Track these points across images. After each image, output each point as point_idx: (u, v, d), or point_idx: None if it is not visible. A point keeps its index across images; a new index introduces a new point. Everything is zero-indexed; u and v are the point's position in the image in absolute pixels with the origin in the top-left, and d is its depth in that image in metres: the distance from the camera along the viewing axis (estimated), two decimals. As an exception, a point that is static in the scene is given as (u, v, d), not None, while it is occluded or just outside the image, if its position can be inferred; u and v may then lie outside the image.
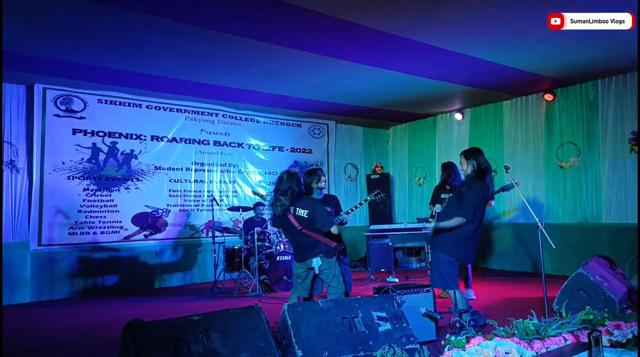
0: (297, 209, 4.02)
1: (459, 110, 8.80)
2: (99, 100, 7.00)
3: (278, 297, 6.01)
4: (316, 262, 4.03)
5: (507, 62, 6.08)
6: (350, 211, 4.65)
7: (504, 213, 8.13)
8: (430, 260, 5.98)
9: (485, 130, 8.49)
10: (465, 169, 4.07)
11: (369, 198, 4.96)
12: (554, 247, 4.17)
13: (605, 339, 3.14)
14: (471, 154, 4.07)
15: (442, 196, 6.13)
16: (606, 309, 3.72)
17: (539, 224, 4.03)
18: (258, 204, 7.41)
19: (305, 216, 3.98)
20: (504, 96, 7.92)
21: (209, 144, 8.06)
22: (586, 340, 2.79)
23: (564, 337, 3.08)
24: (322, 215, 4.00)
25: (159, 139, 7.57)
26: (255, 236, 6.47)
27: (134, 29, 4.79)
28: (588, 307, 3.53)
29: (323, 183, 4.56)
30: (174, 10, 4.41)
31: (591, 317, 3.36)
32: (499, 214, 8.18)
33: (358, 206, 4.88)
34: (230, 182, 8.29)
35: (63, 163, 6.68)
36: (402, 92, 7.48)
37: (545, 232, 4.05)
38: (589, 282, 4.14)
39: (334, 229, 3.98)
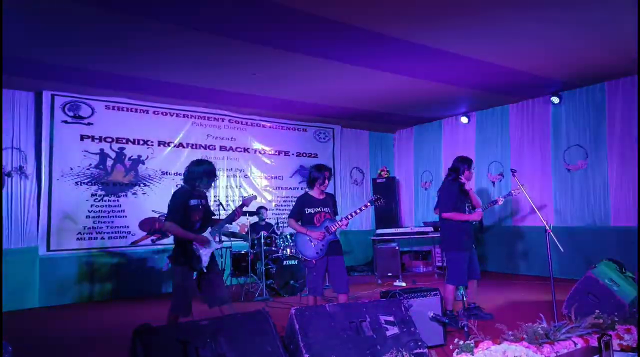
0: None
1: (465, 114, 8.78)
2: (106, 106, 7.06)
3: (285, 301, 6.01)
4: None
5: (513, 64, 6.07)
6: (350, 217, 4.49)
7: (511, 216, 8.08)
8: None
9: (492, 134, 8.46)
10: None
11: (369, 203, 4.74)
12: (562, 250, 4.15)
13: (615, 344, 3.11)
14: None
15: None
16: (616, 313, 3.69)
17: (547, 228, 4.01)
18: (260, 207, 7.42)
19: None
20: (510, 99, 7.89)
21: (215, 149, 8.09)
22: (596, 344, 2.77)
23: (574, 342, 3.06)
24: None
25: (166, 145, 7.62)
26: (262, 241, 6.48)
27: (142, 36, 4.83)
28: (597, 311, 3.51)
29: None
30: (180, 17, 4.45)
31: (601, 321, 3.34)
32: (506, 217, 8.14)
33: (358, 211, 4.70)
34: (236, 186, 8.31)
35: (71, 169, 6.74)
36: (407, 96, 7.47)
37: (554, 236, 4.03)
38: (598, 286, 4.11)
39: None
